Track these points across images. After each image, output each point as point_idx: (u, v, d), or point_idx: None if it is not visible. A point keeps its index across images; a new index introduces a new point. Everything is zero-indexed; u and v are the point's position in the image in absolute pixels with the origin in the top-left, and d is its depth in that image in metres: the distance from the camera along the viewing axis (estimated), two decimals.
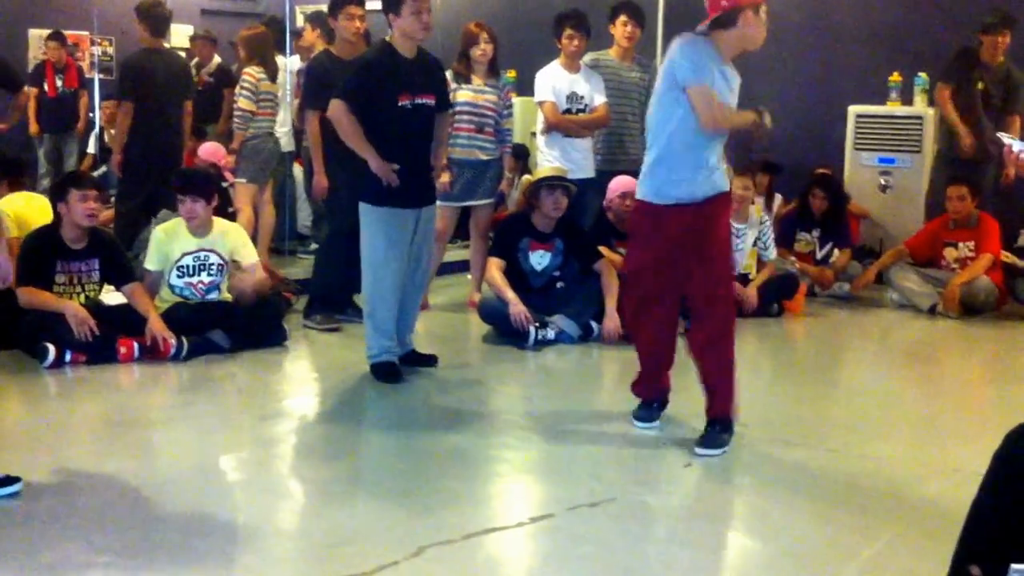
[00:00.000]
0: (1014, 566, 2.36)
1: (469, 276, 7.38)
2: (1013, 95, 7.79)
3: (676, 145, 4.21)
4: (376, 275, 5.17)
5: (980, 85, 7.75)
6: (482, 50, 6.74)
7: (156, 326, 5.48)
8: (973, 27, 7.84)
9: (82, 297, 5.60)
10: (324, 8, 6.95)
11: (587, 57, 7.16)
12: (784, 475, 4.07)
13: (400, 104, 5.05)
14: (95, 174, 9.78)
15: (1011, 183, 7.58)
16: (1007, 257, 7.51)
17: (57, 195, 5.59)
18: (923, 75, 8.30)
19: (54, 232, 5.58)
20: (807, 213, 7.92)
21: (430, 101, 5.19)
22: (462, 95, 6.70)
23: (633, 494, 3.81)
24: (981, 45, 7.76)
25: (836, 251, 7.87)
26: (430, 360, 5.51)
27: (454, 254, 8.11)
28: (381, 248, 5.13)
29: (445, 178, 6.41)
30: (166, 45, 7.91)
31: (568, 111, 6.97)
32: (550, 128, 6.97)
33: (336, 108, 5.08)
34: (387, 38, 5.21)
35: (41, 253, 5.52)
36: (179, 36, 10.46)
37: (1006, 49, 7.75)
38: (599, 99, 7.01)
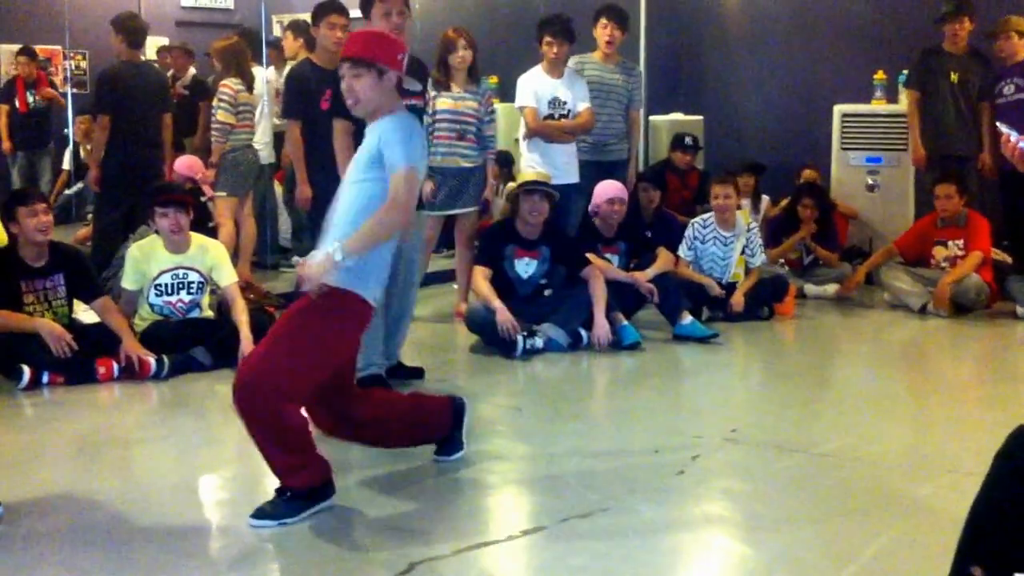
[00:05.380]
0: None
1: (455, 286, 7.31)
2: (986, 81, 7.71)
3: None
4: None
5: (954, 77, 7.68)
6: (460, 56, 6.65)
7: (130, 347, 5.38)
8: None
9: (51, 315, 5.49)
10: (302, 16, 6.85)
11: (572, 60, 7.11)
12: (778, 480, 4.02)
13: None
14: (71, 191, 9.73)
15: (990, 170, 7.54)
16: (997, 254, 7.46)
17: (6, 216, 5.44)
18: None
19: (13, 252, 5.46)
20: (795, 222, 7.85)
21: (418, 103, 5.11)
22: (441, 103, 6.62)
23: (626, 503, 3.74)
24: (944, 38, 7.72)
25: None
26: (417, 372, 5.42)
27: (439, 264, 8.03)
28: None
29: (427, 187, 6.33)
30: (143, 58, 7.82)
31: (550, 116, 6.91)
32: (531, 134, 6.91)
33: (338, 128, 4.96)
34: None
35: (3, 275, 5.41)
36: (154, 49, 10.36)
37: (968, 36, 7.69)
38: (582, 104, 6.95)
